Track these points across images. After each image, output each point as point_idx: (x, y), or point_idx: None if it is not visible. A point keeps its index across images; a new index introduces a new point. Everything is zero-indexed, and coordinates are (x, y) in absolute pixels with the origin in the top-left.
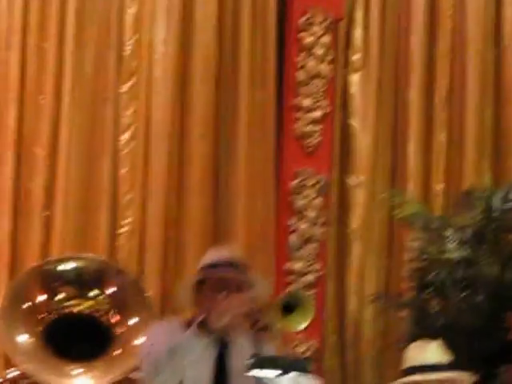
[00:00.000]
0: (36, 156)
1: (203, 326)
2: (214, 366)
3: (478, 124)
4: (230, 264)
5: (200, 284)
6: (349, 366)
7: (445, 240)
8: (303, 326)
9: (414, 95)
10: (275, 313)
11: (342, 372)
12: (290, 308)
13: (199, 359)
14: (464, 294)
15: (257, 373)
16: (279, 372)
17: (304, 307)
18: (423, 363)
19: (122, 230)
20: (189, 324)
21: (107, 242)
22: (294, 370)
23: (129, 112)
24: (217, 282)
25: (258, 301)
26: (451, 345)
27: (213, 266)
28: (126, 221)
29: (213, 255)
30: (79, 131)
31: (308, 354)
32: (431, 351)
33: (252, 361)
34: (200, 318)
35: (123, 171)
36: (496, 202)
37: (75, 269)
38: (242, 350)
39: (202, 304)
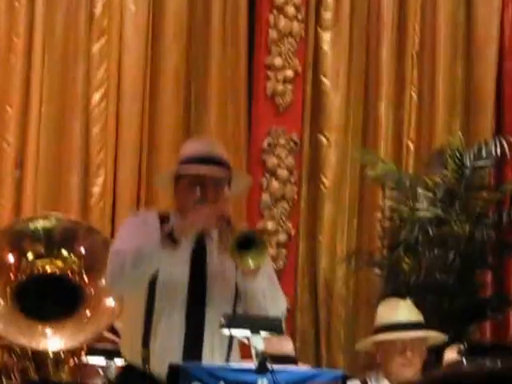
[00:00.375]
0: (7, 116)
1: (171, 235)
2: (190, 268)
3: (448, 82)
4: (208, 159)
5: (178, 178)
6: (321, 324)
7: (416, 199)
8: (253, 266)
9: (385, 54)
10: (231, 244)
11: (315, 330)
12: (245, 245)
13: (172, 263)
14: (435, 252)
15: (228, 332)
16: (250, 331)
17: (258, 250)
18: (394, 322)
19: (94, 190)
20: (163, 219)
21: (79, 202)
22: (266, 329)
23: (100, 71)
24: (194, 178)
25: (230, 202)
26: (422, 303)
27: (191, 160)
28: (98, 180)
29: (192, 148)
30: (50, 91)
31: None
32: (402, 310)
33: (223, 320)
34: (167, 230)
35: (95, 130)
36: (467, 160)
37: (45, 228)
38: (216, 249)
39: (178, 198)
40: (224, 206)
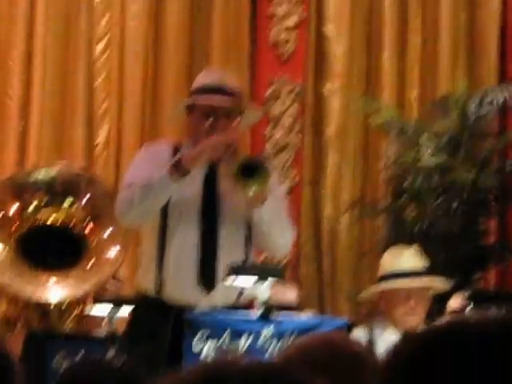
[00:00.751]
0: (10, 70)
1: (179, 165)
2: (202, 187)
3: (452, 30)
4: (219, 89)
5: (190, 108)
6: (325, 273)
7: (420, 147)
8: (254, 194)
9: (388, 1)
10: (234, 171)
11: (319, 278)
12: (249, 171)
13: (184, 185)
14: (439, 200)
15: (233, 280)
16: (255, 279)
17: (260, 178)
18: (399, 270)
19: (99, 140)
20: (176, 150)
21: (84, 152)
22: (270, 276)
23: (103, 21)
24: (205, 109)
25: (244, 130)
26: (427, 251)
27: (202, 90)
28: (102, 130)
29: (205, 78)
30: (53, 42)
31: (284, 261)
32: (407, 257)
33: (229, 268)
34: (175, 159)
35: (98, 81)
36: (471, 107)
37: (47, 179)
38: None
39: (190, 129)
40: (233, 136)
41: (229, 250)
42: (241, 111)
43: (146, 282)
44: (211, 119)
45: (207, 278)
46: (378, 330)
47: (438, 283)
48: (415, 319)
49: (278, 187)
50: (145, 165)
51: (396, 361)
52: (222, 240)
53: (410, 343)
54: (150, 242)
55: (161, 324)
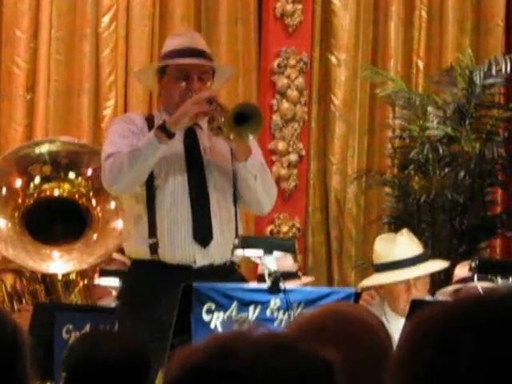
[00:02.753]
0: (17, 39)
1: (165, 128)
2: (183, 144)
3: (458, 0)
4: (192, 51)
5: (161, 73)
6: (333, 243)
7: (426, 117)
8: (252, 137)
9: None
10: (228, 120)
11: (327, 248)
12: (242, 119)
13: (166, 147)
14: (446, 170)
15: (240, 253)
16: (262, 251)
17: (255, 120)
18: (395, 259)
19: (105, 112)
20: (149, 119)
21: (90, 124)
22: (278, 249)
23: None
24: (178, 71)
25: (218, 92)
26: (433, 220)
27: (174, 54)
28: (109, 102)
29: (175, 42)
30: (59, 14)
31: (291, 232)
32: (401, 245)
33: (237, 241)
34: (160, 122)
35: (105, 53)
36: (477, 77)
37: (51, 152)
38: (207, 133)
39: (164, 93)
40: (213, 92)
41: (219, 204)
42: (213, 71)
43: (139, 246)
44: (185, 82)
45: (202, 232)
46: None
47: (436, 267)
48: None
49: (257, 144)
50: (123, 134)
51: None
52: (211, 193)
53: (428, 321)
54: (136, 206)
55: (161, 286)
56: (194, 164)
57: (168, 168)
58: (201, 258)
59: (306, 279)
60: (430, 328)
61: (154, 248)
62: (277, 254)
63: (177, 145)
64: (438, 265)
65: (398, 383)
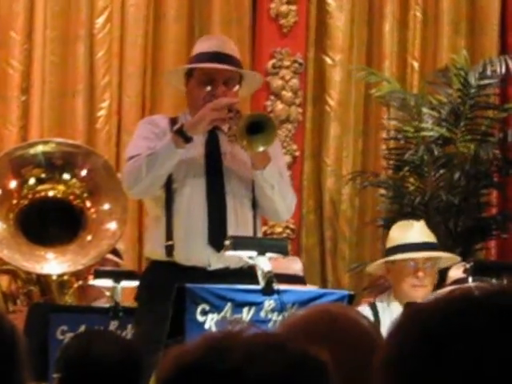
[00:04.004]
0: (12, 40)
1: (182, 132)
2: (205, 148)
3: (453, 1)
4: (218, 56)
5: (189, 76)
6: (327, 244)
7: (421, 118)
8: (262, 149)
9: None
10: (240, 129)
11: (321, 249)
12: (255, 129)
13: (186, 149)
14: (441, 172)
15: (233, 254)
16: (255, 253)
17: (267, 133)
18: (407, 242)
19: (100, 113)
20: (174, 122)
21: (85, 126)
22: (271, 250)
23: None
24: (204, 75)
25: (245, 96)
26: (428, 222)
27: (201, 57)
28: (104, 104)
29: (204, 45)
30: (54, 15)
31: (285, 233)
32: (416, 231)
33: (228, 242)
34: (177, 126)
35: (99, 55)
36: (472, 79)
37: (45, 153)
38: (227, 139)
39: (189, 96)
40: (233, 98)
41: (236, 210)
42: (240, 78)
43: (156, 248)
44: (210, 86)
45: (217, 237)
46: (381, 306)
47: (448, 256)
48: (423, 291)
49: (280, 153)
50: (146, 136)
51: (406, 331)
52: (228, 199)
53: (419, 313)
54: (155, 209)
55: (173, 287)
56: (213, 169)
57: (187, 172)
58: (215, 261)
59: (311, 287)
60: (417, 322)
61: (169, 250)
62: (270, 254)
63: (198, 148)
64: (449, 255)
65: (385, 376)
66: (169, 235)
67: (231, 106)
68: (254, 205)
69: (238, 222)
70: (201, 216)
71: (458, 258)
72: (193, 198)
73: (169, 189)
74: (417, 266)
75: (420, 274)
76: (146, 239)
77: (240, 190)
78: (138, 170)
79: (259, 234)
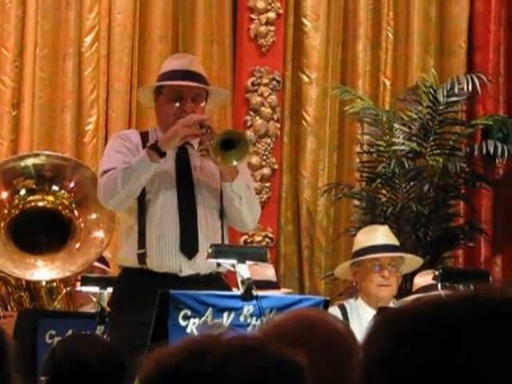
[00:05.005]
0: (3, 58)
1: (156, 148)
2: (175, 162)
3: (423, 23)
4: (187, 73)
5: (158, 93)
6: (304, 252)
7: (393, 133)
8: (236, 164)
9: None
10: (214, 145)
11: (298, 258)
12: (229, 144)
13: (160, 163)
14: (411, 184)
15: (213, 261)
16: (235, 261)
17: (241, 147)
18: (372, 244)
19: (88, 128)
20: (144, 136)
21: (73, 139)
22: (250, 259)
23: (92, 15)
24: (172, 92)
25: (210, 115)
26: (399, 232)
27: (170, 75)
28: (91, 118)
29: (173, 63)
30: (44, 34)
31: (265, 242)
32: (380, 234)
33: (210, 250)
34: (152, 142)
35: (87, 71)
36: (441, 96)
37: (35, 165)
38: (197, 153)
39: (159, 112)
40: (203, 115)
41: (206, 219)
42: (206, 95)
43: (129, 255)
44: (178, 103)
45: (188, 245)
46: (349, 307)
47: (411, 257)
48: (388, 291)
49: (246, 167)
50: (119, 150)
51: (378, 336)
52: (199, 209)
53: (391, 317)
54: (128, 219)
55: (149, 292)
56: (184, 181)
57: (159, 184)
58: (187, 268)
59: (285, 290)
60: (392, 323)
61: (142, 258)
62: (250, 262)
63: (169, 162)
64: (412, 256)
65: (365, 378)
66: (141, 243)
67: (202, 122)
68: (222, 215)
69: (208, 231)
70: (173, 225)
71: (421, 260)
72: (165, 209)
73: (142, 200)
74: (382, 266)
75: (385, 273)
76: (119, 248)
77: (209, 201)
78: (114, 183)
79: (226, 242)
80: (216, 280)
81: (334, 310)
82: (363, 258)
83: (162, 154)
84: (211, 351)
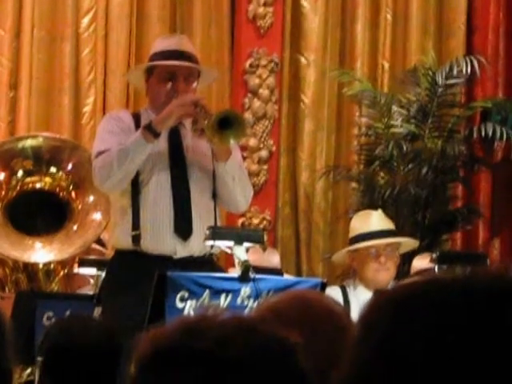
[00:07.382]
0: (1, 38)
1: (150, 127)
2: (168, 142)
3: (422, 4)
4: (179, 53)
5: (149, 73)
6: (301, 235)
7: (391, 116)
8: (233, 142)
9: None
10: (212, 124)
11: (296, 241)
12: (226, 124)
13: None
14: (409, 166)
15: (211, 243)
16: (232, 243)
17: (238, 127)
18: (368, 231)
19: (85, 109)
20: (135, 116)
21: (71, 121)
22: (248, 240)
23: None
24: (164, 73)
25: (202, 97)
26: (397, 215)
27: (161, 55)
28: (89, 100)
29: (163, 43)
30: (41, 15)
31: (262, 225)
32: (375, 220)
33: (208, 232)
34: (146, 122)
35: (84, 53)
36: (439, 78)
37: (33, 147)
38: (190, 133)
39: (150, 93)
40: (198, 96)
41: (200, 200)
42: (198, 74)
43: (123, 237)
44: (171, 82)
45: (183, 226)
46: (349, 289)
47: (406, 240)
48: (386, 275)
49: (237, 148)
50: (111, 131)
51: (373, 316)
52: (192, 190)
53: (387, 298)
54: (121, 200)
55: (142, 274)
56: (177, 162)
57: (153, 165)
58: (181, 250)
59: (288, 276)
60: (386, 304)
61: (136, 239)
62: (247, 244)
63: (161, 143)
64: (407, 239)
65: (355, 359)
66: (135, 225)
67: (197, 102)
68: (214, 195)
69: (201, 212)
70: (167, 206)
71: (416, 242)
72: (158, 190)
73: (135, 181)
74: (378, 252)
75: (382, 258)
76: (112, 229)
77: (203, 181)
78: (110, 164)
79: (219, 223)
80: (209, 262)
81: (335, 291)
82: (358, 246)
83: (157, 135)
84: (206, 331)
